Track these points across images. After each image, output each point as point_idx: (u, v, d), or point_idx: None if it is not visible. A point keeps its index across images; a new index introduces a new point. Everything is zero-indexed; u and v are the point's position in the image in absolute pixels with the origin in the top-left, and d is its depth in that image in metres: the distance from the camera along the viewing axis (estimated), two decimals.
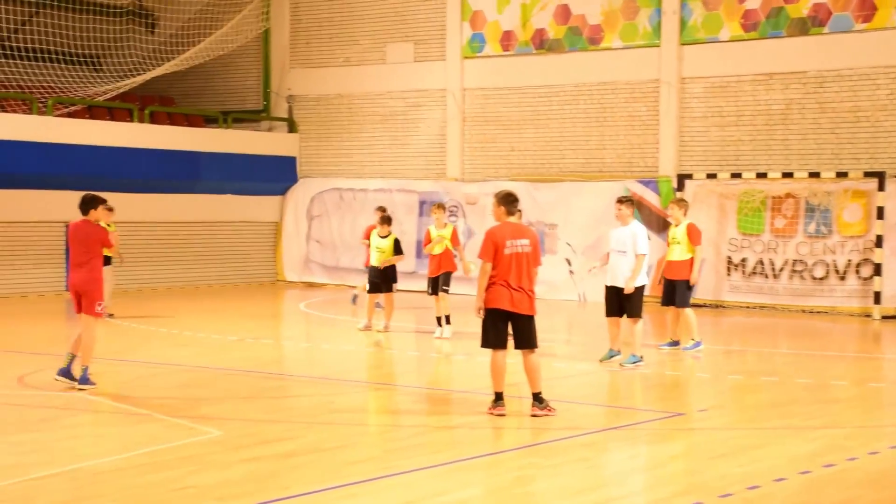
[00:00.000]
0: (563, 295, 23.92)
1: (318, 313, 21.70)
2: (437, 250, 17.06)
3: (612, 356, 14.52)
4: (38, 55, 25.63)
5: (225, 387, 12.80)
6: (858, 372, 15.19)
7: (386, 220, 17.82)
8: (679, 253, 15.70)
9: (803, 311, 21.66)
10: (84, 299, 12.25)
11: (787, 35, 22.52)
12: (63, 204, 23.25)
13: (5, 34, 25.42)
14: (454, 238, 17.16)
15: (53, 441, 9.75)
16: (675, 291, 15.75)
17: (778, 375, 14.07)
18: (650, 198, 23.39)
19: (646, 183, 23.58)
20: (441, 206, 17.54)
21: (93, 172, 24.00)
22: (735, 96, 23.18)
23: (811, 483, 8.48)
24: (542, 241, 24.13)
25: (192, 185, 26.48)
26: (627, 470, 9.18)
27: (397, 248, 17.65)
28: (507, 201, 10.98)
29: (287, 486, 8.18)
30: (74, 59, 26.52)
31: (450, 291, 17.16)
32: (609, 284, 14.38)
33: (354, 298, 21.89)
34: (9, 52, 25.38)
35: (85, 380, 12.17)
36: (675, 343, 15.89)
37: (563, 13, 24.89)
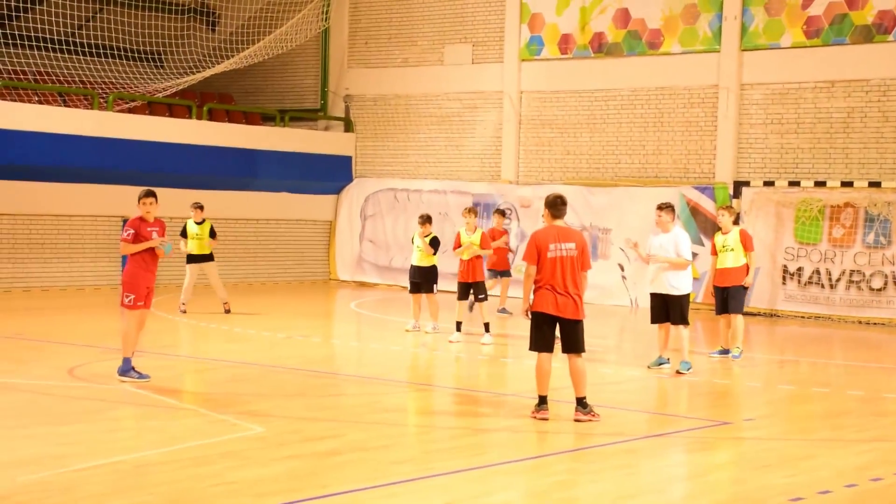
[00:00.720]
0: (615, 300, 23.75)
1: (368, 313, 21.75)
2: (466, 256, 17.02)
3: (660, 363, 14.40)
4: (102, 51, 25.97)
5: (271, 384, 12.85)
6: None
7: (427, 219, 17.85)
8: (732, 259, 15.50)
9: (860, 323, 21.31)
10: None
11: (851, 42, 22.17)
12: (120, 198, 23.59)
13: (70, 30, 25.77)
14: (483, 243, 17.11)
15: (97, 433, 9.84)
16: (729, 298, 15.55)
17: (830, 386, 13.86)
18: (706, 204, 23.15)
19: (702, 189, 23.35)
20: (472, 211, 17.42)
21: (151, 168, 24.28)
22: (795, 104, 22.87)
23: (857, 496, 8.32)
24: (595, 245, 24.01)
25: (248, 183, 26.67)
26: (669, 478, 9.06)
27: (433, 245, 17.69)
28: (554, 205, 10.92)
29: (326, 485, 8.18)
30: (137, 55, 26.84)
31: (484, 298, 17.12)
32: (652, 292, 14.33)
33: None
34: (73, 48, 25.74)
35: (124, 371, 12.26)
36: (726, 351, 15.70)
37: (623, 17, 24.71)
